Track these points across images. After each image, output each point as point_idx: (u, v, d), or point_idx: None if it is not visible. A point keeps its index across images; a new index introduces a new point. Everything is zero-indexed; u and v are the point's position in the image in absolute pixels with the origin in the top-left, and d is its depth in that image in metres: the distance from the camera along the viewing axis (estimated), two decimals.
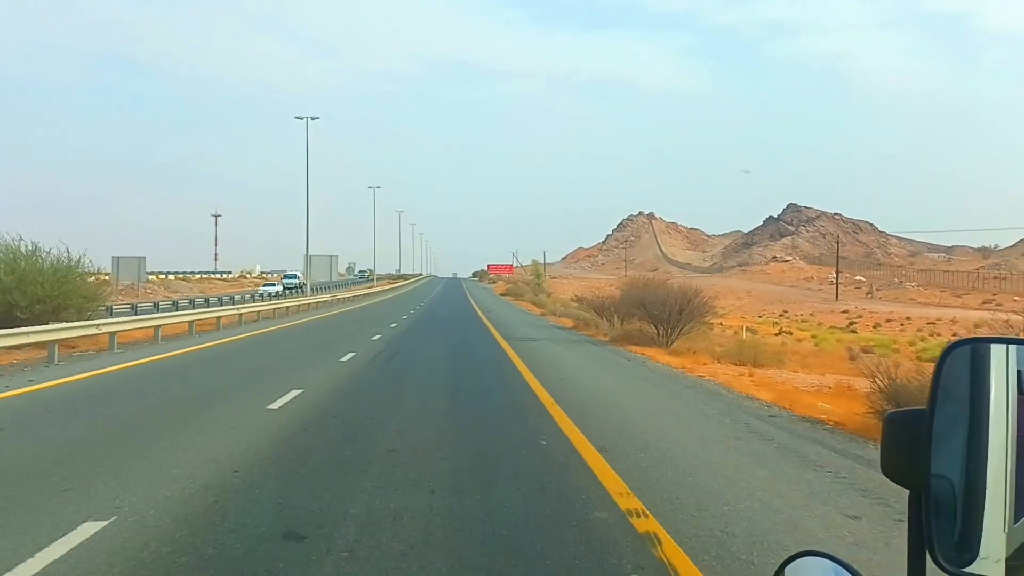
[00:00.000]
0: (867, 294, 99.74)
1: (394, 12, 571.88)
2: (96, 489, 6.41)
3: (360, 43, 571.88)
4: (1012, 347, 1.48)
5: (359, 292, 77.38)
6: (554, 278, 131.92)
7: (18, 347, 16.90)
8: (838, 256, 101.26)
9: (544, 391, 13.49)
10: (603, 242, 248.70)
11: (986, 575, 1.39)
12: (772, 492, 6.86)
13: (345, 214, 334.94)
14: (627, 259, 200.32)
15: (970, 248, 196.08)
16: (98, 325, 19.16)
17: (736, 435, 9.84)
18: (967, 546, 1.41)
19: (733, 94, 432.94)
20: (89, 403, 11.60)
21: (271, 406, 11.05)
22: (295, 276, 79.26)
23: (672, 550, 5.13)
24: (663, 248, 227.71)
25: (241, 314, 30.07)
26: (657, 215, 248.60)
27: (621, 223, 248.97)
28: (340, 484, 6.68)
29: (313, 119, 59.40)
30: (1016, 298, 72.81)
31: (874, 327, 58.35)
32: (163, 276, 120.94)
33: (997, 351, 1.48)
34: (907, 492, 1.42)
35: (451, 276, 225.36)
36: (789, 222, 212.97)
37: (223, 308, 29.72)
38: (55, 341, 16.49)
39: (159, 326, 21.86)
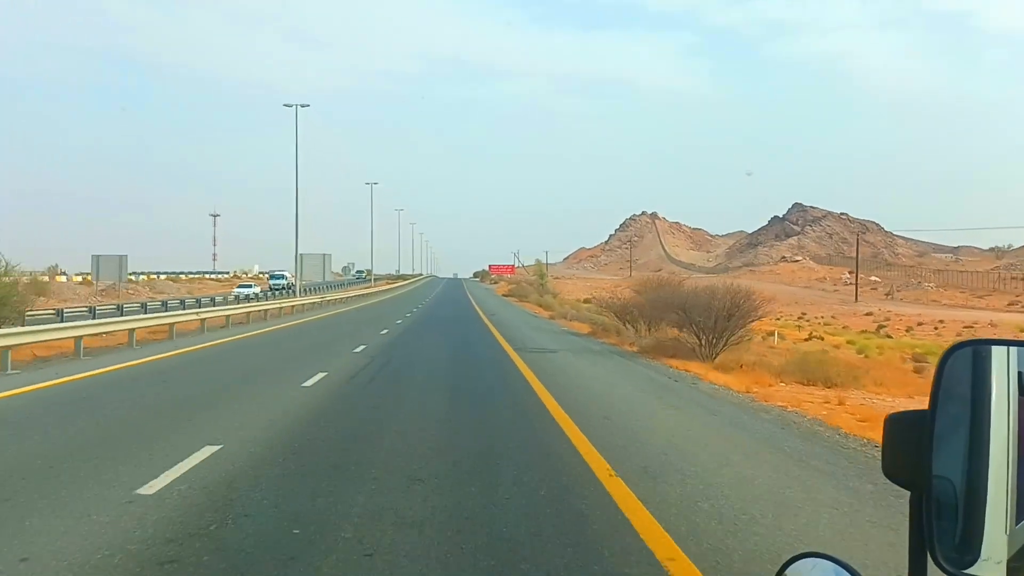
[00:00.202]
0: (886, 295, 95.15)
1: (394, 12, 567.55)
2: None
3: (360, 43, 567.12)
4: (1013, 349, 1.48)
5: (355, 293, 72.78)
6: (557, 278, 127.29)
7: None
8: (857, 256, 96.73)
9: (586, 440, 8.98)
10: (606, 242, 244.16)
11: None
12: None
13: (346, 214, 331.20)
14: (631, 259, 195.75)
15: (976, 248, 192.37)
16: None
17: None
18: (968, 547, 1.40)
19: (734, 94, 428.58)
20: None
21: (140, 490, 6.45)
22: (282, 276, 74.36)
23: None
24: (667, 248, 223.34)
25: (203, 320, 25.42)
26: (660, 215, 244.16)
27: (624, 223, 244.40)
28: None
29: (303, 106, 54.69)
30: None
31: (907, 331, 53.81)
32: (155, 276, 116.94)
33: (998, 353, 1.48)
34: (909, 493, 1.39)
35: (452, 276, 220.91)
36: (795, 222, 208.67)
37: (178, 314, 25.00)
38: None
39: (80, 336, 17.26)
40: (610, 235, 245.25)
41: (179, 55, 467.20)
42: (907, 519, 1.40)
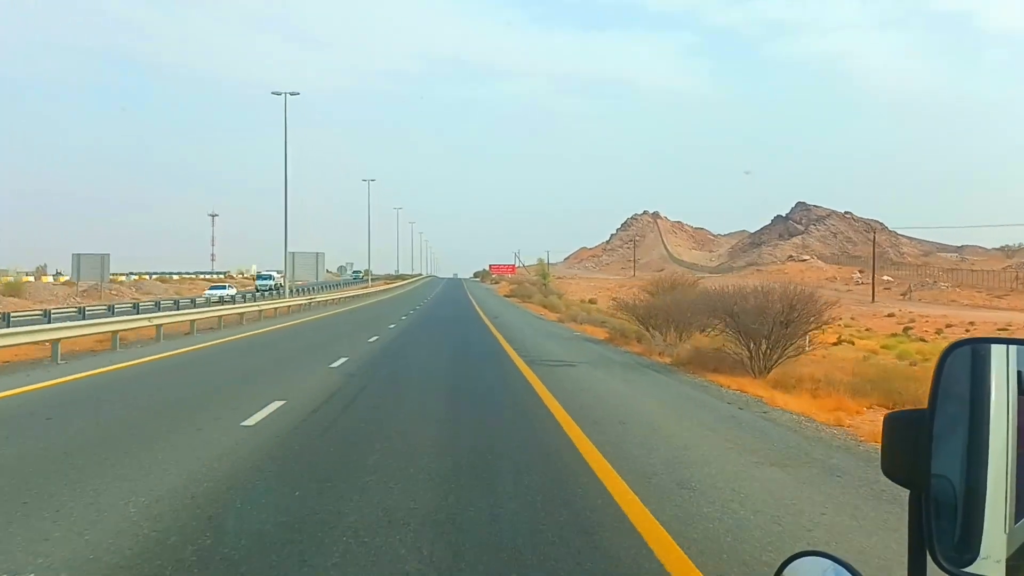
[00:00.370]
0: (903, 295, 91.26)
1: (394, 12, 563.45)
2: None
3: (360, 43, 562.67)
4: (1012, 347, 1.46)
5: (350, 293, 68.88)
6: (559, 278, 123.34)
7: None
8: (874, 256, 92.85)
9: (681, 556, 5.08)
10: (607, 242, 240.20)
11: (986, 575, 1.37)
12: None
13: (346, 214, 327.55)
14: (634, 259, 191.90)
15: (980, 247, 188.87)
16: None
17: None
18: (967, 546, 1.39)
19: (734, 93, 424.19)
20: None
21: None
22: (269, 277, 70.05)
23: None
24: (669, 248, 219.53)
25: (159, 326, 21.40)
26: (662, 214, 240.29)
27: (625, 222, 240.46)
28: None
29: (292, 95, 50.76)
30: None
31: (937, 333, 49.97)
32: (146, 276, 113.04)
33: (997, 351, 1.47)
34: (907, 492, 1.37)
35: (451, 276, 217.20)
36: (798, 221, 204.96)
37: (123, 320, 20.86)
38: None
39: None
40: (611, 235, 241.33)
41: (179, 55, 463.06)
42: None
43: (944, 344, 1.56)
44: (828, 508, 6.55)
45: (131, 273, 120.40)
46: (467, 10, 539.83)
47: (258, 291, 59.82)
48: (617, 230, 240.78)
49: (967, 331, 51.55)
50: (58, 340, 16.04)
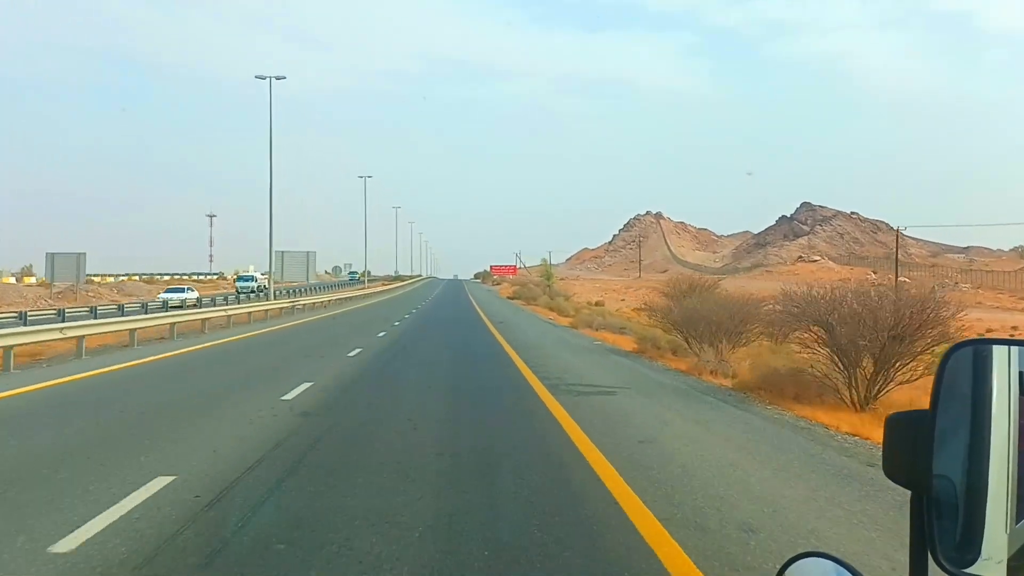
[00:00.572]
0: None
1: (394, 12, 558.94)
2: None
3: (360, 43, 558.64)
4: (1014, 348, 1.45)
5: (343, 295, 64.23)
6: (562, 279, 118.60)
7: None
8: (896, 257, 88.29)
9: None
10: (609, 242, 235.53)
11: None
12: None
13: (346, 215, 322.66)
14: (639, 260, 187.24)
15: (985, 248, 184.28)
16: None
17: None
18: (969, 547, 1.38)
19: (735, 93, 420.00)
20: None
21: None
22: (251, 278, 65.07)
23: None
24: (672, 248, 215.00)
25: (81, 336, 16.74)
26: (665, 215, 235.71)
27: (628, 223, 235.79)
28: None
29: (278, 79, 46.23)
30: None
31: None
32: (135, 277, 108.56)
33: (999, 352, 1.46)
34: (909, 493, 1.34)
35: (452, 278, 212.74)
36: (803, 221, 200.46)
37: (22, 331, 16.12)
38: None
39: None
40: (614, 235, 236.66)
41: (179, 55, 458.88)
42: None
43: None
44: None
45: (120, 274, 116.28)
46: (467, 10, 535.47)
47: (239, 293, 55.07)
48: (619, 231, 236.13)
49: (1011, 335, 47.24)
50: None
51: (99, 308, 30.26)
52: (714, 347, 19.67)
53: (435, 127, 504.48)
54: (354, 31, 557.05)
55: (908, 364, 13.11)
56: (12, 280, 73.35)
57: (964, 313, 14.10)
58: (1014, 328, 48.21)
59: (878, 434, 9.45)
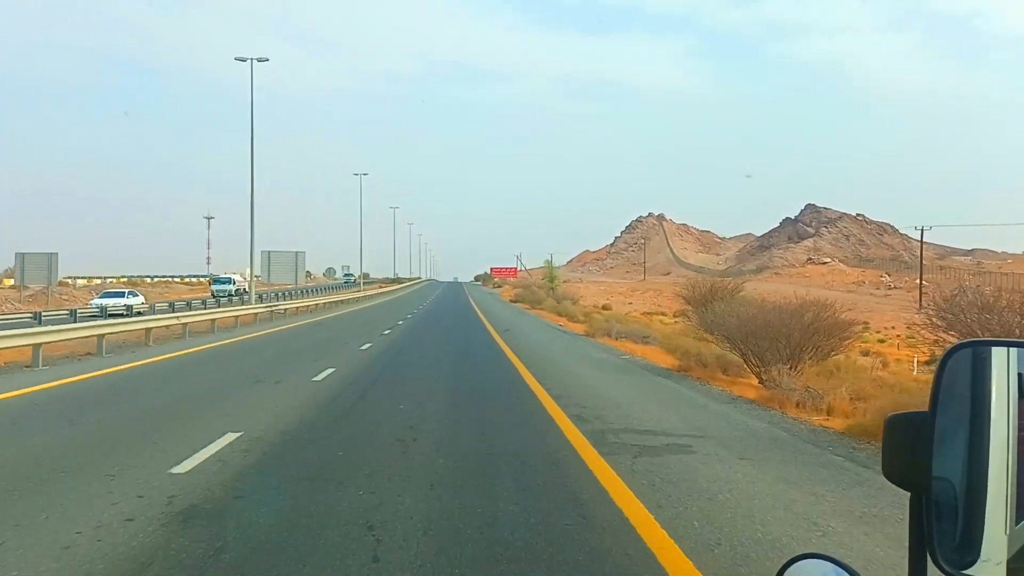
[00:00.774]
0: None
1: (394, 12, 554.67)
2: None
3: (360, 43, 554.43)
4: (1013, 350, 1.44)
5: (335, 298, 59.64)
6: (565, 282, 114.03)
7: None
8: (921, 259, 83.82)
9: None
10: (611, 244, 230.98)
11: None
12: None
13: (345, 216, 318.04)
14: (644, 262, 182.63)
15: (991, 251, 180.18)
16: None
17: None
18: (968, 548, 1.37)
19: (737, 94, 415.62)
20: None
21: None
22: (228, 280, 59.93)
23: None
24: (675, 251, 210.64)
25: None
26: (667, 217, 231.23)
27: (630, 225, 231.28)
28: None
29: (260, 60, 41.76)
30: None
31: None
32: (123, 279, 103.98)
33: (998, 354, 1.45)
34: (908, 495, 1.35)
35: (452, 280, 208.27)
36: (808, 223, 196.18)
37: None
38: None
39: None
40: (616, 237, 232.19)
41: (179, 55, 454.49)
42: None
43: None
44: None
45: (106, 277, 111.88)
46: (467, 11, 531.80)
47: (214, 297, 50.28)
48: (622, 232, 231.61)
49: None
50: None
51: (44, 314, 25.68)
52: (788, 367, 15.19)
53: (435, 128, 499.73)
54: (354, 32, 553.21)
55: None
56: (8, 283, 68.75)
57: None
58: None
59: None
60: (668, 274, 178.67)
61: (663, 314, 61.63)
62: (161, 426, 9.53)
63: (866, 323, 39.26)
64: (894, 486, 1.42)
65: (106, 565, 4.77)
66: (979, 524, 1.36)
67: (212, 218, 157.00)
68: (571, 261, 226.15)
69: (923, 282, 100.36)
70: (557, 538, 5.34)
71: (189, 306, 32.35)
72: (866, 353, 28.73)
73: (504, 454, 8.27)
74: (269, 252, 54.05)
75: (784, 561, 1.59)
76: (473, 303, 64.78)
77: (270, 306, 34.24)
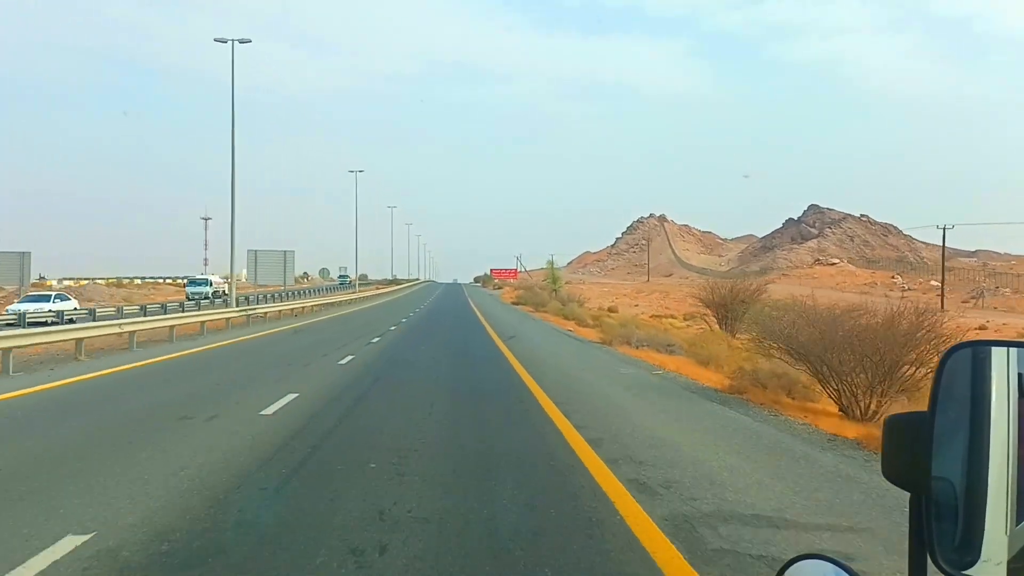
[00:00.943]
0: (969, 301, 78.62)
1: (394, 12, 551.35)
2: None
3: (360, 43, 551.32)
4: (1013, 350, 1.44)
5: (326, 301, 56.02)
6: (567, 283, 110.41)
7: None
8: (943, 260, 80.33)
9: None
10: (612, 245, 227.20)
11: None
12: None
13: (345, 218, 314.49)
14: (647, 263, 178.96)
15: (994, 252, 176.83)
16: None
17: None
18: (968, 548, 1.35)
19: (737, 95, 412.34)
20: None
21: None
22: (205, 282, 55.65)
23: None
24: (677, 252, 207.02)
25: None
26: (669, 217, 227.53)
27: (631, 225, 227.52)
28: None
29: (242, 42, 38.04)
30: None
31: None
32: (118, 281, 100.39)
33: (998, 354, 1.44)
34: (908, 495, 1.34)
35: (451, 281, 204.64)
36: (811, 224, 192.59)
37: None
38: None
39: None
40: (617, 238, 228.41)
41: (179, 55, 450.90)
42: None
43: None
44: None
45: (94, 278, 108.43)
46: (467, 12, 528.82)
47: (189, 300, 46.37)
48: (623, 233, 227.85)
49: None
50: None
51: None
52: (879, 391, 11.61)
53: (434, 128, 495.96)
54: (354, 32, 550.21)
55: None
56: None
57: None
58: None
59: None
60: (670, 275, 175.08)
61: (672, 317, 58.07)
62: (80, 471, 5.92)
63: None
64: None
65: None
66: (979, 524, 1.34)
67: (209, 219, 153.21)
68: (571, 262, 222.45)
69: (934, 283, 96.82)
70: None
71: (144, 311, 28.41)
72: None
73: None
74: (256, 251, 50.26)
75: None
76: (473, 305, 61.00)
77: (244, 310, 30.18)
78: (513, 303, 72.10)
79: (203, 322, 25.09)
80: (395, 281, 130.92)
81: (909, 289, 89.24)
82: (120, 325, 19.42)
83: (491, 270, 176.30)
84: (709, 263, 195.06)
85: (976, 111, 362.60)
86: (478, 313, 47.84)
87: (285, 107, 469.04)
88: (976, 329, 43.28)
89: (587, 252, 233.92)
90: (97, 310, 32.35)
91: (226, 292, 42.50)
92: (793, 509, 6.33)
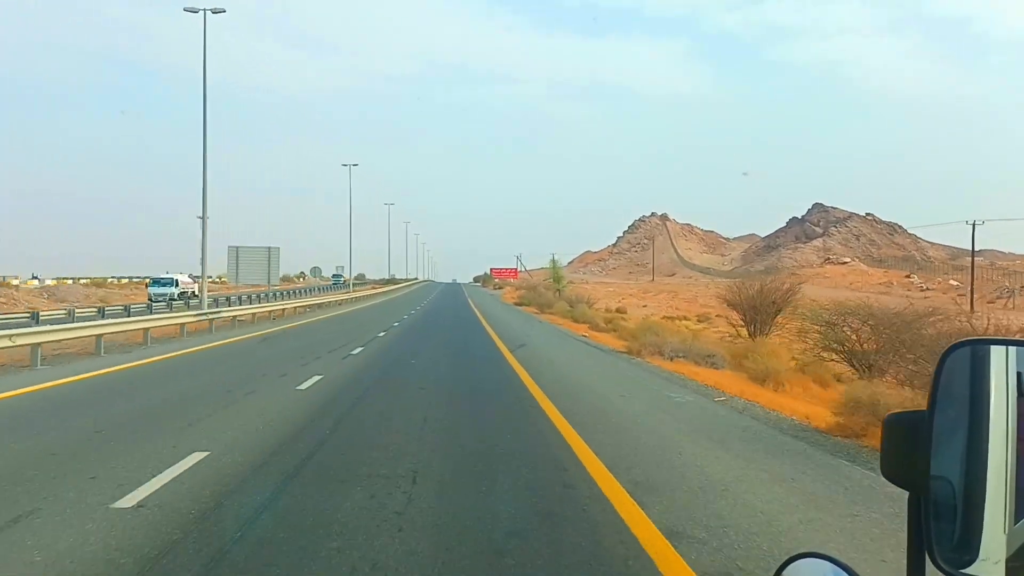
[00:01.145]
0: (996, 302, 74.45)
1: (394, 13, 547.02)
2: None
3: (360, 43, 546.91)
4: (1012, 348, 1.41)
5: (315, 301, 51.60)
6: (569, 283, 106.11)
7: None
8: (972, 259, 76.21)
9: None
10: (614, 244, 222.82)
11: None
12: None
13: (344, 217, 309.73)
14: (652, 262, 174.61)
15: (999, 252, 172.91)
16: None
17: None
18: (967, 547, 1.34)
19: (738, 95, 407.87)
20: None
21: None
22: (170, 282, 50.60)
23: None
24: (679, 251, 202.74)
25: None
26: (671, 216, 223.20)
27: (633, 224, 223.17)
28: None
29: (216, 12, 33.64)
30: None
31: None
32: (103, 280, 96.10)
33: (997, 352, 1.41)
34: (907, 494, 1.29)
35: (450, 281, 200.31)
36: (816, 223, 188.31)
37: None
38: None
39: None
40: (618, 237, 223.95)
41: (178, 56, 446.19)
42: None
43: None
44: None
45: (84, 277, 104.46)
46: (467, 12, 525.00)
47: (152, 302, 41.80)
48: (624, 232, 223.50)
49: None
50: None
51: None
52: None
53: (434, 128, 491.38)
54: (354, 32, 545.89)
55: None
56: None
57: None
58: None
59: None
60: (673, 275, 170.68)
61: (685, 318, 53.90)
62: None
63: None
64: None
65: None
66: (978, 523, 1.33)
67: (207, 218, 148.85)
68: (572, 261, 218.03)
69: (953, 283, 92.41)
70: None
71: (71, 316, 23.91)
72: None
73: None
74: (237, 248, 45.85)
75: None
76: (475, 308, 56.48)
77: (202, 314, 25.43)
78: (515, 303, 67.65)
79: (146, 329, 20.54)
80: (392, 281, 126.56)
81: (928, 289, 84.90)
82: (10, 338, 14.63)
83: (491, 270, 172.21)
84: (712, 262, 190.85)
85: (976, 111, 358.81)
86: (481, 318, 43.19)
87: (285, 107, 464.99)
88: None
89: (588, 251, 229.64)
90: None
91: (195, 293, 37.97)
92: None
